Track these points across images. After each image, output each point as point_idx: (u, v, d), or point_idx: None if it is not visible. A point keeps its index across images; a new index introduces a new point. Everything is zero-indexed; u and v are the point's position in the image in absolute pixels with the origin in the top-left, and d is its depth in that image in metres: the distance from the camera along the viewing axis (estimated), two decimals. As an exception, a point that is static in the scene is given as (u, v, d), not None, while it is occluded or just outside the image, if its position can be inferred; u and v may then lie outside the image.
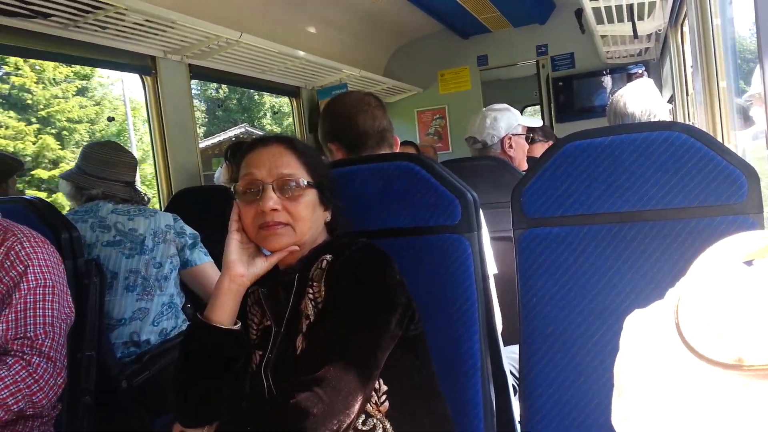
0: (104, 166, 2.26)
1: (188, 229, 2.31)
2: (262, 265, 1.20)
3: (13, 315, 1.43)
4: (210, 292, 2.08)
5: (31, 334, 1.43)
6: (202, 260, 2.30)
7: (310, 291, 1.17)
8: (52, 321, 1.47)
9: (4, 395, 1.35)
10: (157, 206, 3.39)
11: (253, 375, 1.21)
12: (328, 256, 1.18)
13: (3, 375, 1.36)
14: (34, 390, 1.39)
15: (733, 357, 0.44)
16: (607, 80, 5.32)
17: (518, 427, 1.41)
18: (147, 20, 2.93)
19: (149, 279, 2.16)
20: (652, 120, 2.17)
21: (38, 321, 1.44)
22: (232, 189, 1.23)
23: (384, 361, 1.11)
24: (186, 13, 3.08)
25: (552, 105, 5.52)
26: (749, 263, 0.51)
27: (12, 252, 1.48)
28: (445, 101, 5.85)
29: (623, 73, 5.26)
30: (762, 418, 0.44)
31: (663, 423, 0.49)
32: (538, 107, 5.94)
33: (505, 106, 2.71)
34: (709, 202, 1.27)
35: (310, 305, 1.16)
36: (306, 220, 1.20)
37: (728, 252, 0.51)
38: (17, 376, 1.38)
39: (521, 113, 7.82)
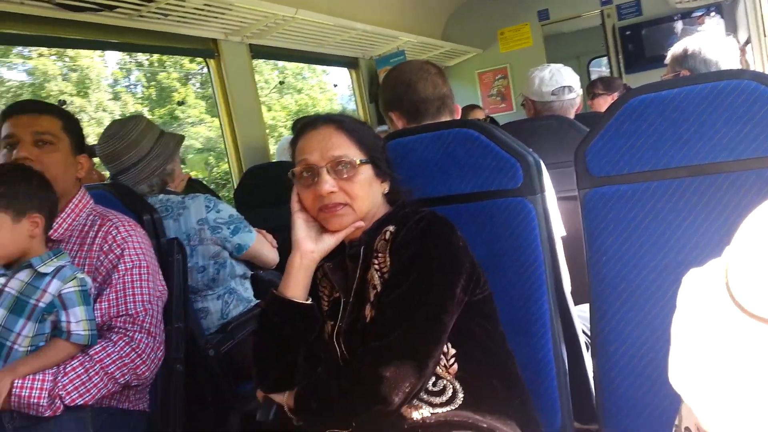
0: (107, 161, 2.11)
1: (224, 214, 2.11)
2: (329, 241, 1.25)
3: (114, 294, 1.55)
4: (266, 262, 2.06)
5: (132, 311, 1.54)
6: (251, 239, 2.16)
7: (376, 262, 1.21)
8: (150, 298, 1.58)
9: (112, 370, 1.48)
10: (230, 184, 3.51)
11: (326, 343, 1.27)
12: (392, 227, 1.22)
13: (110, 351, 1.49)
14: (138, 363, 1.51)
15: None
16: (678, 25, 5.04)
17: (592, 384, 1.42)
18: (206, 4, 3.01)
19: (197, 285, 2.09)
20: (723, 67, 2.07)
21: (137, 299, 1.56)
22: (290, 173, 1.26)
23: (451, 325, 1.14)
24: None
25: (620, 56, 5.29)
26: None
27: (109, 236, 1.60)
28: (506, 60, 5.71)
29: (694, 16, 4.97)
30: None
31: (716, 381, 0.49)
32: (605, 59, 5.71)
33: None
34: (785, 149, 1.22)
35: (376, 275, 1.20)
36: (363, 197, 1.23)
37: None
38: (122, 352, 1.50)
39: (588, 66, 7.55)
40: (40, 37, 2.82)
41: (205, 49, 3.50)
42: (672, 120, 1.31)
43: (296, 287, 1.23)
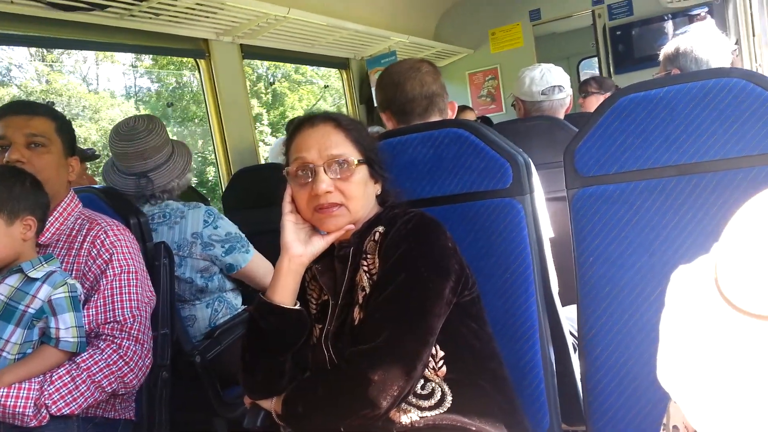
0: (121, 159, 2.05)
1: (221, 231, 2.05)
2: (319, 244, 1.23)
3: (102, 300, 1.53)
4: (260, 285, 1.95)
5: (120, 318, 1.52)
6: (246, 260, 2.10)
7: (365, 263, 1.20)
8: (138, 305, 1.56)
9: (99, 378, 1.46)
10: (217, 188, 3.50)
11: (314, 347, 1.25)
12: (381, 228, 1.21)
13: (97, 359, 1.47)
14: (125, 371, 1.49)
15: None
16: (669, 25, 5.05)
17: (579, 385, 1.42)
18: (198, 4, 3.00)
19: (184, 294, 2.05)
20: (714, 66, 2.07)
21: (125, 305, 1.53)
22: (284, 172, 1.24)
23: (440, 327, 1.13)
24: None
25: (609, 56, 5.31)
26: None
27: (98, 241, 1.57)
28: (497, 61, 5.71)
29: (685, 16, 4.99)
30: None
31: (705, 378, 0.49)
32: (595, 60, 5.72)
33: None
34: (772, 149, 1.22)
35: (365, 277, 1.19)
36: (359, 197, 1.22)
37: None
38: (109, 360, 1.48)
39: (578, 67, 7.54)
40: (32, 37, 2.80)
41: (196, 49, 3.48)
42: (661, 119, 1.31)
43: (284, 292, 1.21)
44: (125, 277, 1.56)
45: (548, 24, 5.65)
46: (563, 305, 1.56)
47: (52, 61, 12.22)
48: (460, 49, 5.67)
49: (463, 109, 4.37)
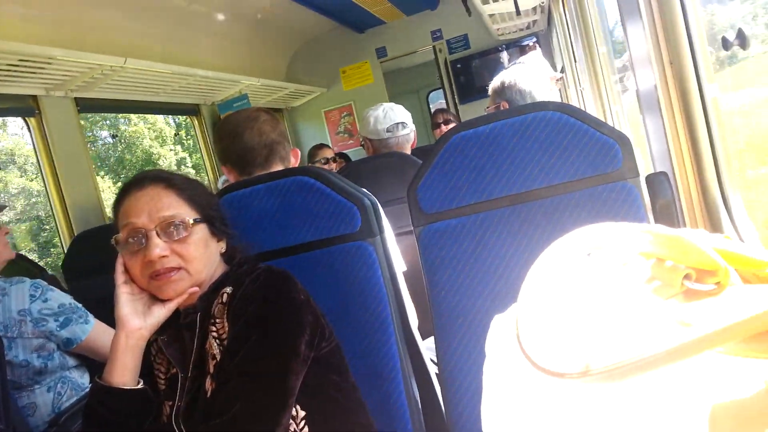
0: None
1: (52, 304, 1.88)
2: (160, 313, 1.14)
3: None
4: (106, 358, 1.89)
5: None
6: (85, 332, 1.91)
7: (214, 329, 1.13)
8: None
9: None
10: (60, 254, 3.22)
11: (165, 427, 1.15)
12: (228, 289, 1.14)
13: None
14: None
15: (580, 366, 0.45)
16: (503, 56, 5.47)
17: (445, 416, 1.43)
18: (22, 60, 2.78)
19: (20, 379, 1.83)
20: (537, 99, 2.24)
21: None
22: (113, 241, 1.15)
23: (298, 386, 1.08)
24: (65, 46, 2.94)
25: (453, 87, 5.62)
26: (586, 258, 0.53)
27: None
28: (350, 98, 5.85)
29: (517, 47, 5.41)
30: (608, 418, 0.45)
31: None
32: (441, 91, 6.02)
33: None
34: (588, 173, 1.33)
35: (215, 344, 1.11)
36: (199, 259, 1.15)
37: (562, 255, 0.53)
38: None
39: (426, 98, 7.89)
40: None
41: (23, 107, 3.21)
42: (490, 153, 1.39)
43: (123, 372, 1.11)
44: None
45: (395, 60, 5.89)
46: (426, 337, 1.58)
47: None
48: (314, 88, 5.74)
49: (320, 146, 4.39)
